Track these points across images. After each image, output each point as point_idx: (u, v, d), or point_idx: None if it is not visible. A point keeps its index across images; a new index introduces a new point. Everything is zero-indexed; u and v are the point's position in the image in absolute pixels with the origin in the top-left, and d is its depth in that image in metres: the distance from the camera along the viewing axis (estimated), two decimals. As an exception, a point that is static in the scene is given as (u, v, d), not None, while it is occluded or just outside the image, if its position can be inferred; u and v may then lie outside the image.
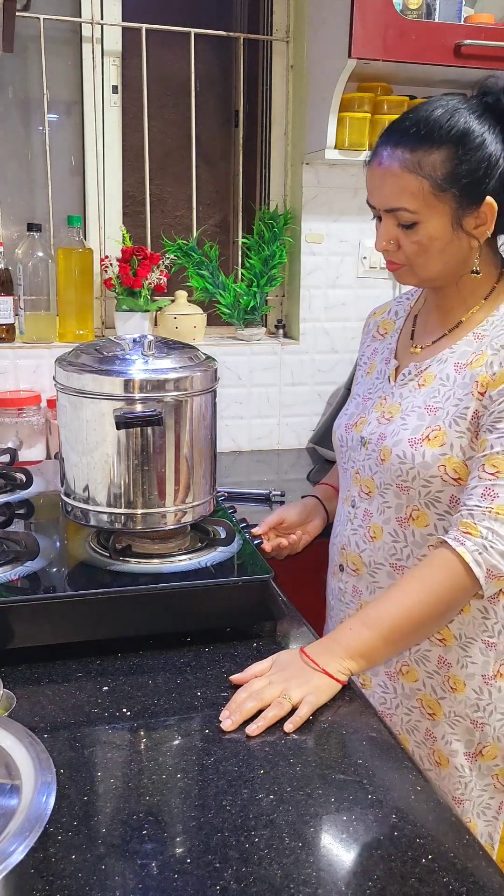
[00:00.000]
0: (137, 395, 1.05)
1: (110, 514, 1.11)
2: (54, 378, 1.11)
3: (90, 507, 1.12)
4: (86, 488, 1.11)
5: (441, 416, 1.08)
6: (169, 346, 1.15)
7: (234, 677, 0.95)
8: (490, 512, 0.98)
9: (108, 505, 1.10)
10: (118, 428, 1.05)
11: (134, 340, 1.13)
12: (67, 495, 1.15)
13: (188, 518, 1.15)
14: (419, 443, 1.09)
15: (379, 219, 1.11)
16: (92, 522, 1.13)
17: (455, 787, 1.17)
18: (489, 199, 1.04)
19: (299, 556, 1.37)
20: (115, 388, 1.05)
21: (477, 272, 1.10)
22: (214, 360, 1.17)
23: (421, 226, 1.05)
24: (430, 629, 1.04)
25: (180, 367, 1.09)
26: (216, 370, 1.15)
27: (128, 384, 1.06)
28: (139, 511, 1.10)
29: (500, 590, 1.11)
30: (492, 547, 0.97)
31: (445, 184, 1.03)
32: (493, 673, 1.14)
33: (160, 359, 1.09)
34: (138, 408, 1.05)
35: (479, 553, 0.97)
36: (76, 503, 1.13)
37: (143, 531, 1.13)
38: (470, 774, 1.17)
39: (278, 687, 0.91)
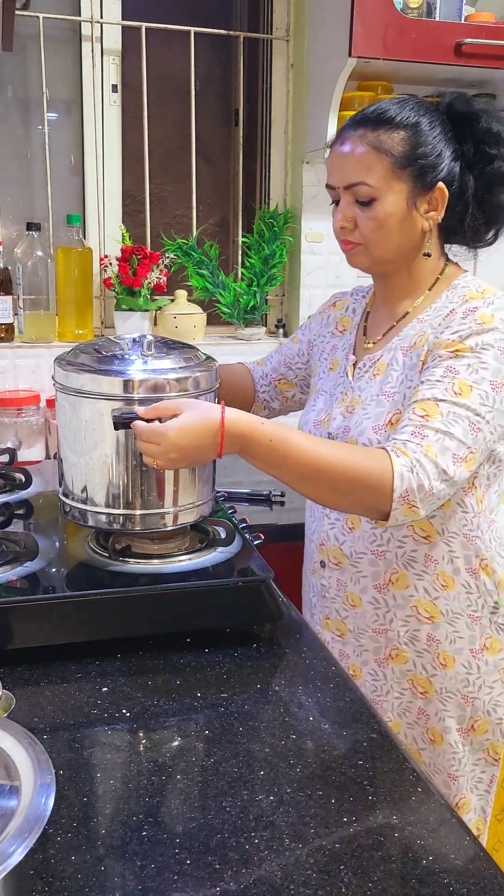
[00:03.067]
0: (137, 396, 1.04)
1: (108, 514, 1.10)
2: (53, 377, 1.11)
3: (88, 508, 1.11)
4: (84, 489, 1.10)
5: (399, 400, 1.13)
6: (169, 345, 1.14)
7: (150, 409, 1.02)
8: (420, 448, 1.02)
9: (107, 506, 1.09)
10: (116, 428, 1.04)
11: (133, 340, 1.12)
12: (66, 495, 1.14)
13: (188, 519, 1.13)
14: (382, 428, 1.13)
15: (336, 204, 1.17)
16: (90, 523, 1.12)
17: (450, 764, 1.21)
18: (441, 184, 1.12)
19: (299, 553, 1.37)
20: (113, 389, 1.05)
21: (429, 254, 1.17)
22: (215, 360, 1.16)
23: (378, 203, 1.11)
24: (316, 486, 1.05)
25: (180, 368, 1.08)
26: (217, 370, 1.14)
27: (127, 384, 1.05)
28: (138, 512, 1.09)
29: (480, 565, 1.17)
30: (418, 473, 1.01)
31: (404, 161, 1.10)
32: (480, 647, 1.18)
33: (159, 359, 1.08)
34: (137, 408, 1.04)
35: (408, 470, 1.00)
36: (74, 503, 1.13)
37: (141, 532, 1.12)
38: (463, 750, 1.20)
39: (157, 456, 1.00)
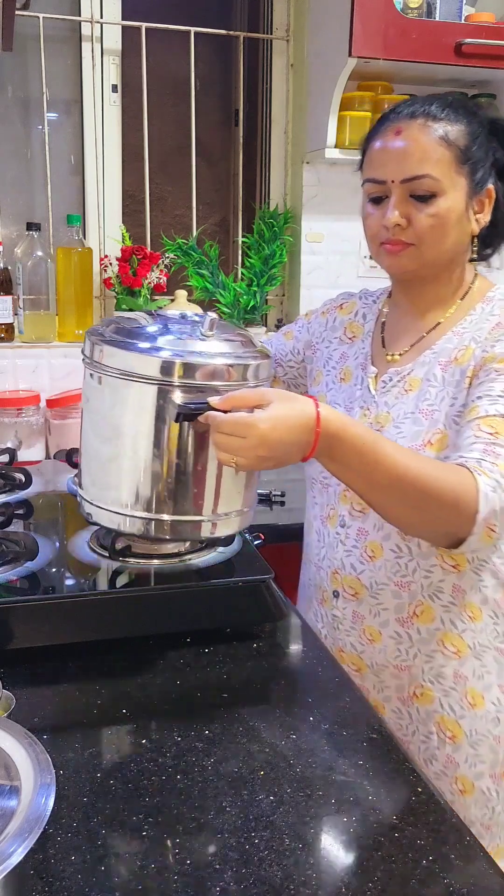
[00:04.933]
0: (195, 382, 0.89)
1: (135, 517, 0.95)
2: (83, 352, 0.95)
3: (111, 509, 0.96)
4: (109, 485, 0.96)
5: (439, 419, 1.05)
6: (224, 326, 0.99)
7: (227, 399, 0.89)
8: (496, 468, 0.93)
9: (135, 507, 0.95)
10: (178, 420, 0.90)
11: (183, 316, 0.98)
12: (84, 491, 0.99)
13: (227, 529, 0.99)
14: (421, 448, 1.04)
15: (375, 201, 1.09)
16: (112, 525, 0.98)
17: (482, 814, 1.10)
18: (491, 186, 1.07)
19: (299, 554, 1.37)
20: (167, 372, 0.89)
21: (475, 259, 1.12)
22: (269, 349, 1.02)
23: (440, 198, 1.03)
24: (400, 499, 0.94)
25: (244, 353, 0.94)
26: (272, 359, 1.02)
27: (187, 369, 0.89)
28: (168, 517, 0.94)
29: None
30: (501, 494, 0.92)
31: (465, 156, 1.04)
32: None
33: (219, 341, 0.93)
34: (193, 396, 0.89)
35: (492, 490, 0.91)
36: (93, 503, 0.98)
37: (173, 540, 1.02)
38: (497, 798, 1.10)
39: (240, 452, 0.87)
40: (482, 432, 0.97)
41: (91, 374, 0.95)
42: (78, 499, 1.02)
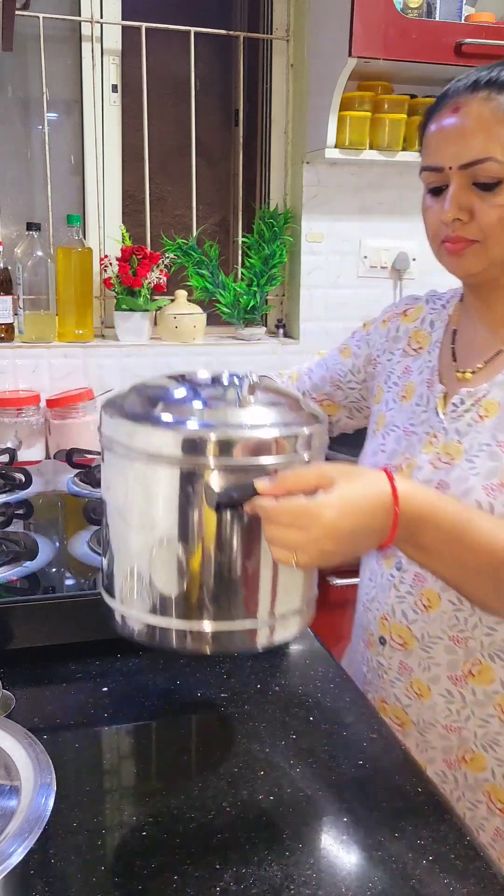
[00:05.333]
0: (235, 461, 0.72)
1: (169, 627, 0.76)
2: (101, 430, 0.79)
3: (142, 617, 0.77)
4: (137, 588, 0.77)
5: None
6: (265, 387, 0.81)
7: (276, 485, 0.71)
8: None
9: (170, 614, 0.76)
10: (220, 509, 0.73)
11: (215, 379, 0.81)
12: (110, 594, 0.80)
13: (287, 633, 0.80)
14: (498, 489, 0.88)
15: (434, 192, 0.93)
16: (145, 638, 0.79)
17: None
18: None
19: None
20: (199, 450, 0.72)
21: None
22: (321, 412, 0.82)
23: None
24: (497, 588, 0.80)
25: (292, 420, 0.76)
26: (326, 422, 0.81)
27: (224, 445, 0.72)
28: (210, 626, 0.75)
29: None
30: None
31: None
32: None
33: (260, 407, 0.76)
34: (234, 479, 0.72)
35: None
36: (121, 609, 0.79)
37: (218, 653, 0.84)
38: None
39: (301, 547, 0.71)
40: None
41: (109, 455, 0.78)
42: (106, 601, 0.82)
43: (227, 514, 0.73)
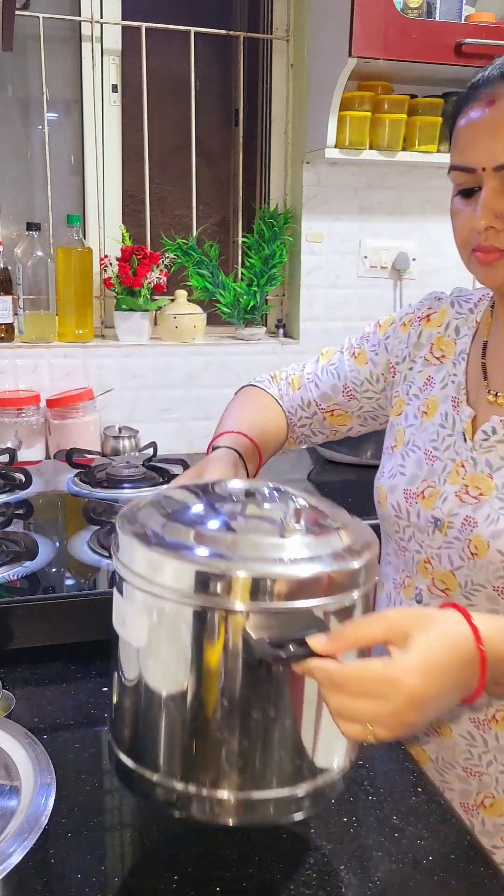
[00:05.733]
0: (278, 606, 0.59)
1: (189, 793, 0.63)
2: (116, 553, 0.67)
3: (157, 779, 0.64)
4: (151, 745, 0.65)
5: None
6: (307, 510, 0.68)
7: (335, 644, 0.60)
8: None
9: (192, 779, 0.63)
10: (259, 667, 0.60)
11: (249, 493, 0.70)
12: (120, 745, 0.68)
13: (321, 800, 0.67)
14: None
15: (465, 195, 0.83)
16: (162, 805, 0.65)
17: None
18: None
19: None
20: (232, 591, 0.59)
21: None
22: (371, 534, 0.70)
23: None
24: None
25: (344, 549, 0.64)
26: (377, 542, 0.69)
27: (263, 587, 0.59)
28: (242, 795, 0.63)
29: None
30: None
31: None
32: None
33: (304, 535, 0.64)
34: (278, 628, 0.60)
35: None
36: (133, 766, 0.66)
37: (245, 824, 0.66)
38: None
39: (379, 720, 0.58)
40: None
41: (127, 587, 0.65)
42: (115, 752, 0.69)
43: (270, 670, 0.61)
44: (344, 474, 1.91)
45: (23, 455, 1.87)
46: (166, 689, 0.63)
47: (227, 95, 2.30)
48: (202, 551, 0.61)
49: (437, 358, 0.98)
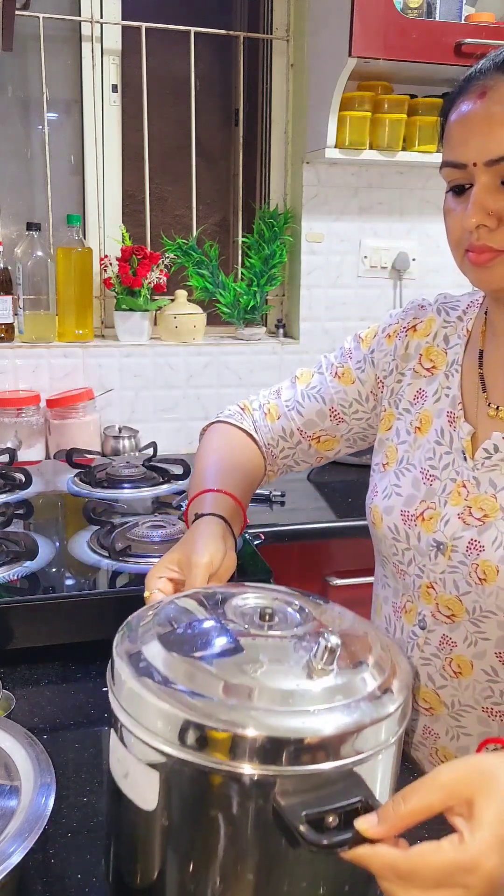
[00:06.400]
0: (306, 768, 0.51)
1: None
2: (114, 690, 0.61)
3: None
4: None
5: None
6: (335, 643, 0.56)
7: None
8: None
9: None
10: (305, 845, 0.50)
11: (266, 616, 0.62)
12: None
13: None
14: None
15: (457, 192, 0.80)
16: None
17: None
18: None
19: (298, 553, 1.36)
20: (250, 755, 0.51)
21: None
22: (406, 663, 0.62)
23: None
24: None
25: (378, 688, 0.57)
26: (409, 670, 0.62)
27: (288, 749, 0.51)
28: None
29: None
30: None
31: None
32: None
33: (334, 676, 0.56)
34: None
35: None
36: None
37: None
38: None
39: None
40: None
41: (129, 736, 0.56)
42: None
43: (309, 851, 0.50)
44: (344, 474, 1.91)
45: (23, 455, 1.87)
46: (181, 867, 0.54)
47: (227, 95, 2.31)
48: (220, 706, 0.52)
49: (428, 369, 0.93)
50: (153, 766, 0.54)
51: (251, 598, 0.65)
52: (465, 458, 0.85)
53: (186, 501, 0.96)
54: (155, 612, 0.64)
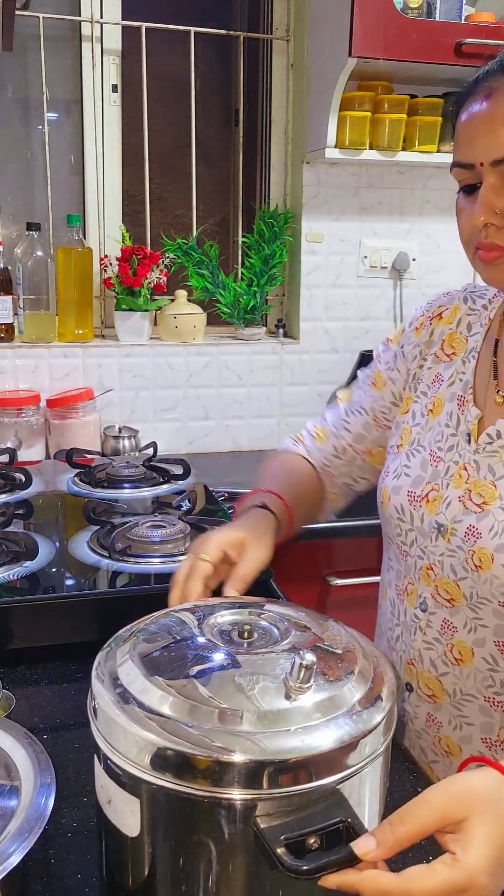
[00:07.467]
0: (288, 790, 0.51)
1: None
2: (97, 726, 0.57)
3: None
4: None
5: None
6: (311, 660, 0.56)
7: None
8: None
9: None
10: (283, 871, 0.49)
11: (243, 633, 0.63)
12: None
13: None
14: None
15: (467, 192, 0.81)
16: None
17: None
18: None
19: (298, 553, 1.36)
20: (229, 780, 0.51)
21: None
22: (390, 673, 0.62)
23: None
24: None
25: (359, 707, 0.56)
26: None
27: (273, 774, 0.51)
28: None
29: None
30: None
31: None
32: None
33: (314, 692, 0.55)
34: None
35: None
36: None
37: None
38: None
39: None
40: None
41: (105, 760, 0.56)
42: None
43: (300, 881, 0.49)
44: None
45: (23, 455, 1.87)
46: (167, 893, 0.54)
47: (227, 95, 2.31)
48: (197, 731, 0.52)
49: (448, 355, 0.95)
50: (133, 792, 0.54)
51: (230, 614, 0.66)
52: (469, 441, 0.87)
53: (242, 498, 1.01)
54: (134, 630, 0.64)
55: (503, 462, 0.83)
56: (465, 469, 0.86)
